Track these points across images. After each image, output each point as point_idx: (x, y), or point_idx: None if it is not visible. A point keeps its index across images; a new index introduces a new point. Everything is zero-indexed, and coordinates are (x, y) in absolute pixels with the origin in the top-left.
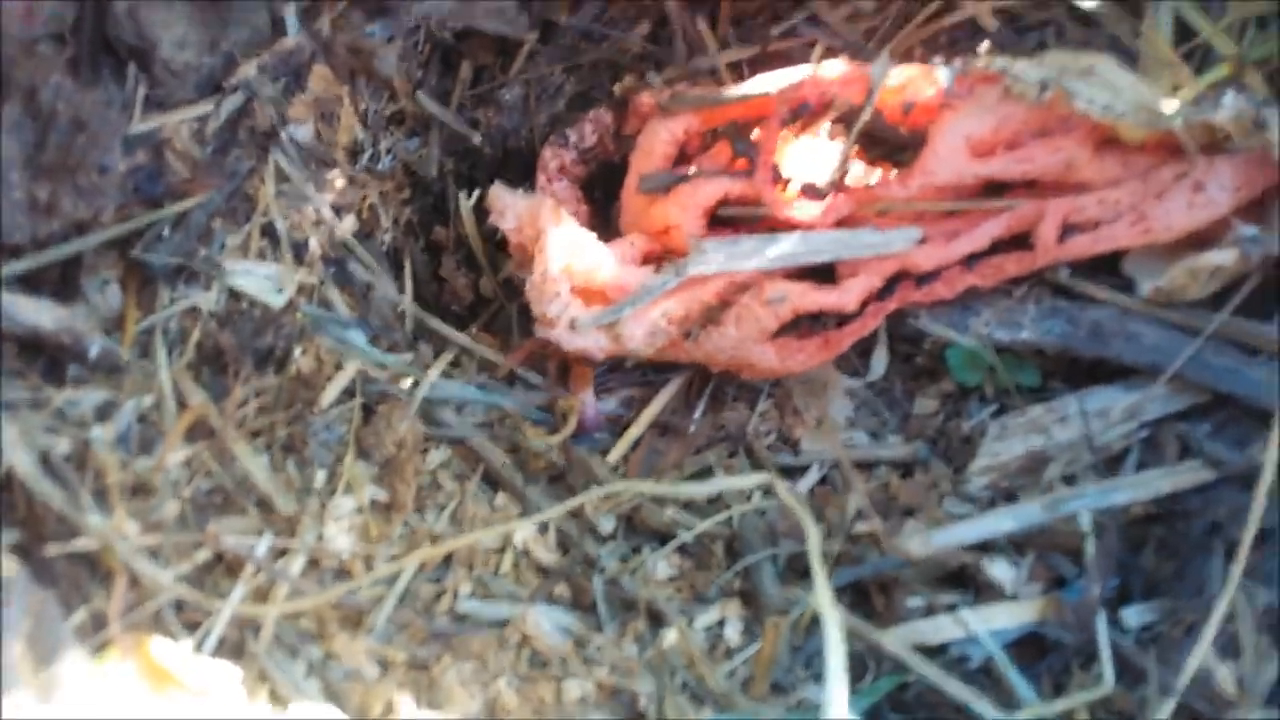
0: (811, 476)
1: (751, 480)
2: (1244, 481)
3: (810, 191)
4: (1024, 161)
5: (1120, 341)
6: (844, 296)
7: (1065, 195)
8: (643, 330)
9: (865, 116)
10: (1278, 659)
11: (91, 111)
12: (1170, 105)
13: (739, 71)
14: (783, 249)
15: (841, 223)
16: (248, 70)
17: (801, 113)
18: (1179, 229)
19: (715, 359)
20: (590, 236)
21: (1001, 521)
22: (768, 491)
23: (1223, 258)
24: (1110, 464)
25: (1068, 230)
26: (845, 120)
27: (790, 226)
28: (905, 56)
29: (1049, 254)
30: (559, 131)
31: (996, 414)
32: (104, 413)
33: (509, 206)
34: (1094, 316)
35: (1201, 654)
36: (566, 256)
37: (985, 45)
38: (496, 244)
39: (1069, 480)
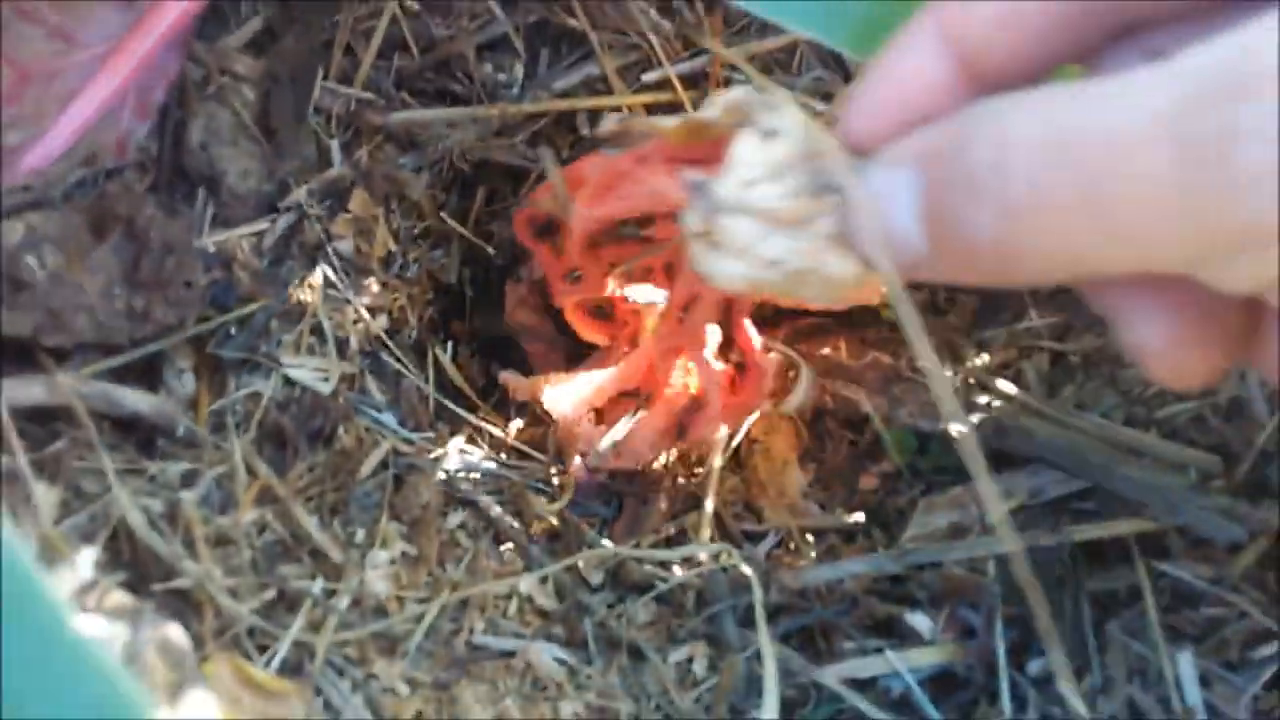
0: (769, 541)
1: (713, 547)
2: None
3: None
4: (623, 199)
5: (1016, 437)
6: None
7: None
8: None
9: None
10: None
11: (178, 237)
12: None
13: None
14: None
15: None
16: (299, 194)
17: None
18: None
19: None
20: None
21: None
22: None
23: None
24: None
25: None
26: None
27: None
28: None
29: None
30: (514, 273)
31: (924, 492)
32: (189, 480)
33: (521, 385)
34: (995, 414)
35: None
36: (566, 401)
37: None
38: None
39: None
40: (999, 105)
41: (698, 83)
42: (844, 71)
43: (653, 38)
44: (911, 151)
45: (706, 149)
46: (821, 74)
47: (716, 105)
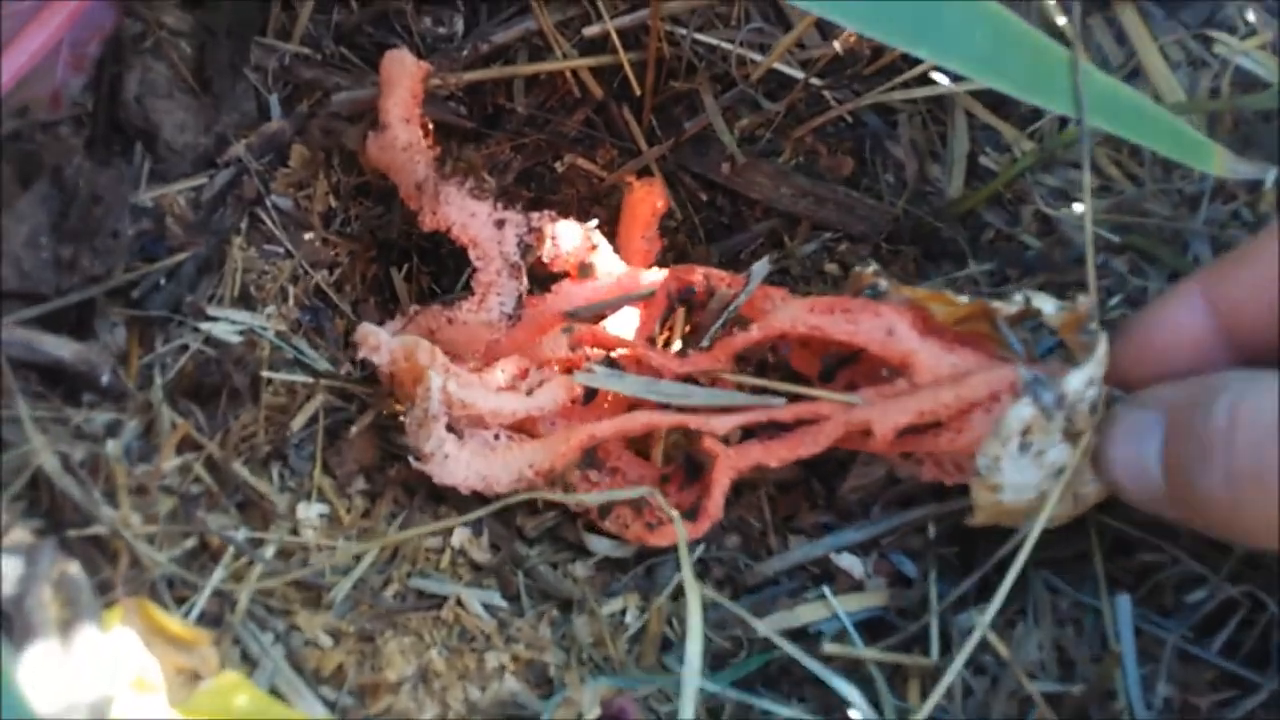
0: None
1: (634, 491)
2: None
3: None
4: (850, 323)
5: None
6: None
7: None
8: (508, 477)
9: (736, 307)
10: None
11: (106, 187)
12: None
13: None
14: (663, 389)
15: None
16: (237, 149)
17: (687, 296)
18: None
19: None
20: (465, 373)
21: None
22: None
23: (1015, 422)
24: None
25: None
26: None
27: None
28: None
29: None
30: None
31: None
32: (113, 430)
33: (382, 344)
34: None
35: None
36: (445, 397)
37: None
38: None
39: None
40: (1238, 381)
41: (638, 38)
42: (784, 24)
43: None
44: (1162, 400)
45: (958, 335)
46: (761, 25)
47: (1015, 304)
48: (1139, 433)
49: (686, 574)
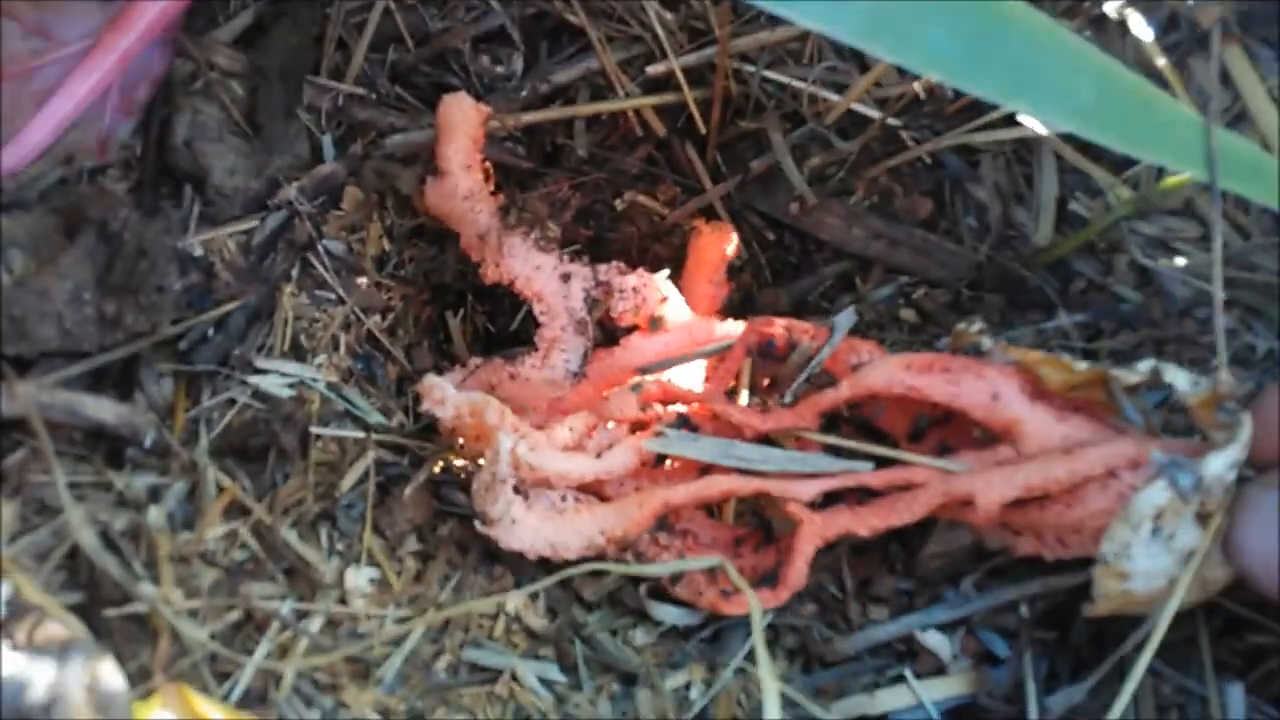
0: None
1: (706, 561)
2: None
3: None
4: (951, 384)
5: None
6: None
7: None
8: (578, 544)
9: (820, 360)
10: None
11: (152, 240)
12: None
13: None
14: (740, 453)
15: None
16: (289, 192)
17: (768, 349)
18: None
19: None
20: (534, 433)
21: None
22: None
23: (1147, 506)
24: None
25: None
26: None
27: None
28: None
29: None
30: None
31: None
32: (155, 494)
33: (448, 398)
34: None
35: None
36: (514, 459)
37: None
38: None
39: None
40: None
41: (704, 75)
42: (859, 60)
43: (658, 29)
44: None
45: (1070, 402)
46: (835, 63)
47: (1138, 372)
48: (1273, 519)
49: (762, 656)
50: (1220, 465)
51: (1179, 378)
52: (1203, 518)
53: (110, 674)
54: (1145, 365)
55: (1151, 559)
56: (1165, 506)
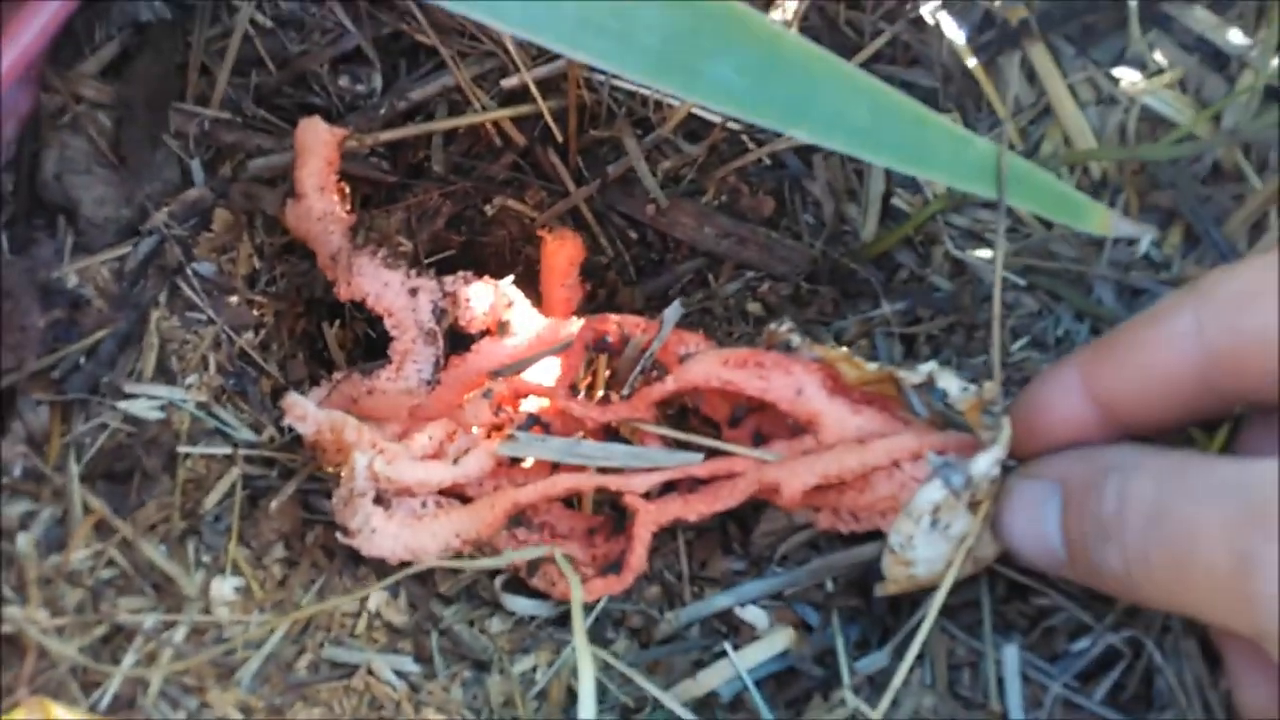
0: None
1: (535, 551)
2: None
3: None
4: (762, 379)
5: None
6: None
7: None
8: (436, 547)
9: (651, 354)
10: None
11: (15, 280)
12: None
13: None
14: (585, 451)
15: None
16: (159, 218)
17: (603, 345)
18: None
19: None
20: (393, 445)
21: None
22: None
23: (926, 503)
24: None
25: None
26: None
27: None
28: None
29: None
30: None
31: None
32: (25, 521)
33: (309, 415)
34: None
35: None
36: (371, 474)
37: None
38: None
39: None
40: (1125, 461)
41: (558, 85)
42: None
43: (508, 43)
44: (1054, 471)
45: (865, 395)
46: None
47: (919, 374)
48: (1035, 504)
49: (579, 639)
50: (986, 464)
51: (951, 384)
52: (973, 505)
53: None
54: (925, 368)
55: (931, 547)
56: (941, 503)
